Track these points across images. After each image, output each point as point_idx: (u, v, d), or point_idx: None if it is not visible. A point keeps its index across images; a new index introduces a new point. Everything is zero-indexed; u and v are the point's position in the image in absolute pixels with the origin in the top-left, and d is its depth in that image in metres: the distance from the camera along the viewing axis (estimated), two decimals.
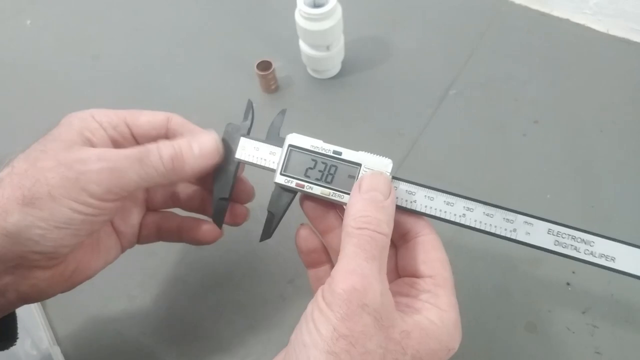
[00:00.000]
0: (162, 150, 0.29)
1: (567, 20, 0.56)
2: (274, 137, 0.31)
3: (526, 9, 0.57)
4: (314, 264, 0.32)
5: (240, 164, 0.32)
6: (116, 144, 0.31)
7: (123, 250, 0.34)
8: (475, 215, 0.28)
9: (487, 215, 0.28)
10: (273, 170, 0.30)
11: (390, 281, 0.29)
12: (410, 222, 0.29)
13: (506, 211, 0.28)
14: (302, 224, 0.32)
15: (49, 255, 0.27)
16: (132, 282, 0.42)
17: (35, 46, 0.60)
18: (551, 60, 0.52)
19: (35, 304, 0.40)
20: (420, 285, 0.28)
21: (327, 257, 0.32)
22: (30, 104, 0.55)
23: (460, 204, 0.29)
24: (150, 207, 0.36)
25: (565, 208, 0.43)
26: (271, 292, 0.40)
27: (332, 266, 0.31)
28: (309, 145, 0.30)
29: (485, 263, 0.41)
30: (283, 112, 0.32)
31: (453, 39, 0.55)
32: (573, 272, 0.40)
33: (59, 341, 0.39)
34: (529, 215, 0.28)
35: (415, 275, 0.29)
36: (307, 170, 0.30)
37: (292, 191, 0.30)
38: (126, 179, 0.28)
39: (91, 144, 0.30)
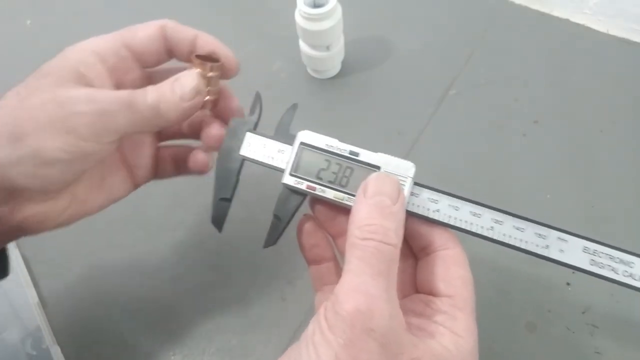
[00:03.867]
0: (147, 95, 0.28)
1: (567, 21, 0.56)
2: (284, 134, 0.28)
3: (526, 9, 0.57)
4: (316, 261, 0.30)
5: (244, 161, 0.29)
6: (118, 71, 0.30)
7: (136, 186, 0.33)
8: (505, 228, 0.26)
9: (518, 229, 0.26)
10: (281, 170, 0.28)
11: (405, 295, 0.27)
12: (433, 233, 0.27)
13: (538, 225, 0.26)
14: (305, 215, 0.29)
15: (38, 191, 0.27)
16: (132, 282, 0.42)
17: (35, 47, 0.60)
18: (551, 60, 0.52)
19: (36, 303, 0.41)
20: (437, 305, 0.25)
21: (330, 253, 0.30)
22: None
23: (487, 216, 0.26)
24: (163, 138, 0.35)
25: (565, 208, 0.43)
26: (271, 292, 0.40)
27: (336, 264, 0.30)
28: (323, 144, 0.28)
29: (485, 263, 0.41)
30: (294, 107, 0.29)
31: (453, 39, 0.55)
32: (573, 272, 0.39)
33: (58, 341, 0.40)
34: (563, 230, 0.26)
35: (432, 293, 0.26)
36: (319, 171, 0.27)
37: (302, 194, 0.28)
38: (115, 123, 0.27)
39: (85, 80, 0.28)
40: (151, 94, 0.28)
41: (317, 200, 0.28)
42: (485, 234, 0.26)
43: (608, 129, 0.47)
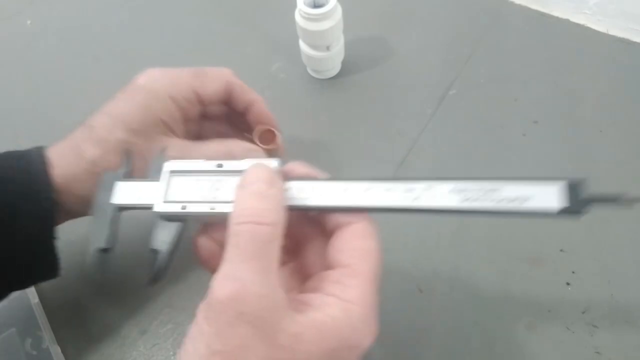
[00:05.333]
0: None
1: (567, 21, 0.56)
2: (156, 174, 0.29)
3: (526, 9, 0.57)
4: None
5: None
6: (187, 113, 0.35)
7: None
8: (373, 193, 0.26)
9: (388, 190, 0.26)
10: (151, 207, 0.28)
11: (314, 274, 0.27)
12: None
13: (405, 181, 0.26)
14: (196, 234, 0.29)
15: None
16: (133, 282, 0.42)
17: (36, 46, 0.60)
18: (551, 60, 0.52)
19: (36, 303, 0.41)
20: (332, 276, 0.25)
21: None
22: (30, 104, 0.55)
23: (356, 186, 0.26)
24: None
25: None
26: None
27: None
28: (189, 167, 0.28)
29: (485, 263, 0.41)
30: (163, 149, 0.30)
31: (453, 39, 0.55)
32: (573, 272, 0.40)
33: (59, 341, 0.40)
34: (428, 179, 0.26)
35: (332, 266, 0.26)
36: (190, 191, 0.28)
37: (179, 219, 0.28)
38: None
39: (168, 128, 0.33)
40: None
41: (203, 233, 0.28)
42: (357, 204, 0.26)
43: (608, 129, 0.47)
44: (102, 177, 0.30)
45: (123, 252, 0.45)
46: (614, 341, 0.37)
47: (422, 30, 0.57)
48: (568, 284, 0.39)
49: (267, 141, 0.38)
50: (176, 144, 0.33)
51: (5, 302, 0.41)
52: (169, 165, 0.29)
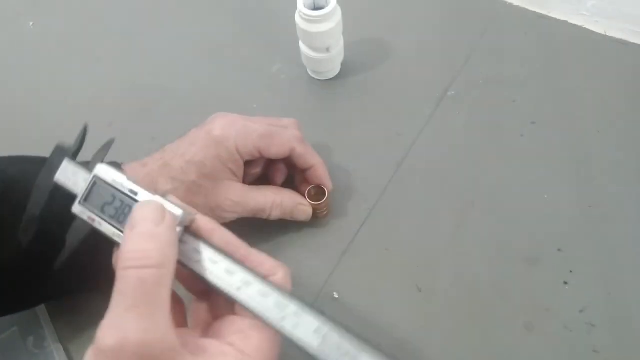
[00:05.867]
0: (272, 211, 0.40)
1: (565, 22, 0.56)
2: (92, 166, 0.29)
3: (524, 11, 0.57)
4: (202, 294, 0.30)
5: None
6: (248, 163, 0.40)
7: None
8: (251, 291, 0.26)
9: (262, 295, 0.26)
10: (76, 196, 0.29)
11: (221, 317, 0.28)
12: (262, 261, 0.28)
13: (281, 296, 0.25)
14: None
15: None
16: None
17: (38, 48, 0.61)
18: (549, 61, 0.53)
19: None
20: (235, 324, 0.26)
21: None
22: (32, 106, 0.55)
23: (239, 276, 0.26)
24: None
25: (562, 208, 0.43)
26: None
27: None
28: (111, 179, 0.28)
29: (483, 262, 0.41)
30: (110, 141, 0.31)
31: (451, 41, 0.55)
32: (570, 271, 0.40)
33: (61, 339, 0.40)
34: (302, 304, 0.25)
35: (238, 311, 0.27)
36: (104, 205, 0.28)
37: (88, 225, 0.28)
38: (244, 213, 0.40)
39: (233, 174, 0.39)
40: (275, 211, 0.40)
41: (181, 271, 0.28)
42: (232, 293, 0.26)
43: (606, 130, 0.47)
44: (57, 147, 0.30)
45: None
46: (612, 340, 0.37)
47: (420, 31, 0.57)
48: (566, 283, 0.40)
49: (317, 198, 0.42)
50: (237, 188, 0.39)
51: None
52: (98, 169, 0.29)
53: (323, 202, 0.41)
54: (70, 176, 0.29)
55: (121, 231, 0.27)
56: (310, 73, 0.54)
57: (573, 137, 0.47)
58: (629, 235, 0.41)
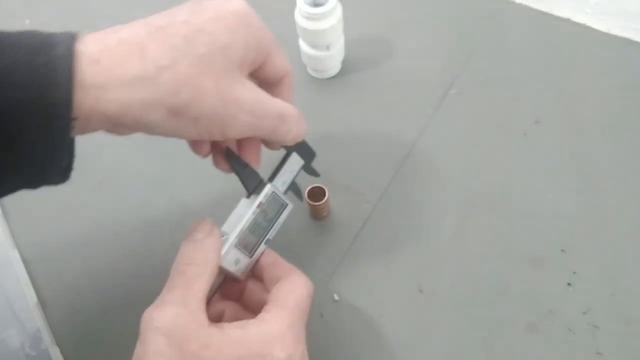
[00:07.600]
0: (294, 125, 0.34)
1: (568, 20, 0.56)
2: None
3: (527, 9, 0.57)
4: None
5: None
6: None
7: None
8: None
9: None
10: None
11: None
12: (281, 270, 0.33)
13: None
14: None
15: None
16: (133, 283, 0.41)
17: None
18: (552, 59, 0.52)
19: (35, 304, 0.40)
20: (265, 307, 0.31)
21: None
22: None
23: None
24: None
25: (566, 207, 0.43)
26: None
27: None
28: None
29: (485, 263, 0.41)
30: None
31: (453, 39, 0.55)
32: (574, 273, 0.40)
33: (58, 342, 0.39)
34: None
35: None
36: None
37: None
38: (257, 136, 0.32)
39: (245, 69, 0.30)
40: (297, 127, 0.35)
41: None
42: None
43: (609, 129, 0.47)
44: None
45: (123, 254, 0.45)
46: (616, 342, 0.37)
47: (422, 29, 0.56)
48: (569, 284, 0.39)
49: (317, 198, 0.41)
50: (254, 86, 0.30)
51: (5, 302, 0.41)
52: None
53: (323, 202, 0.41)
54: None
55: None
56: (310, 71, 0.54)
57: (576, 136, 0.47)
58: (633, 237, 0.41)
